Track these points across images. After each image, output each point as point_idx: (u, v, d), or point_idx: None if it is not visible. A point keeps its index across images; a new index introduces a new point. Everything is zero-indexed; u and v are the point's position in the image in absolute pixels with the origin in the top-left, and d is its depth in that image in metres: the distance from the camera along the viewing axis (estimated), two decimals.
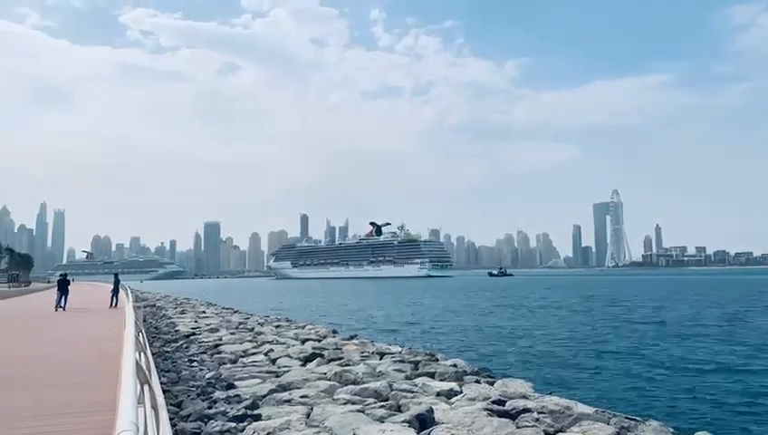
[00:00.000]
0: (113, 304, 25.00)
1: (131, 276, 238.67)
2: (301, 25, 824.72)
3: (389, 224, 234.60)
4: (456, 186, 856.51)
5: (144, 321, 19.28)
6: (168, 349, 18.25)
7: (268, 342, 19.00)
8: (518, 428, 8.29)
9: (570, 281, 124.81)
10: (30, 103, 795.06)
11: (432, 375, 12.99)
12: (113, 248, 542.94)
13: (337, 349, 17.25)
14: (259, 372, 13.04)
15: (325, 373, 12.81)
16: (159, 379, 9.56)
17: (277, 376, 12.64)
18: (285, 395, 10.45)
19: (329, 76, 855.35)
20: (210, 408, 9.54)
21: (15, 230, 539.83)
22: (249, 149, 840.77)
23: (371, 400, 10.15)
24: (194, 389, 11.27)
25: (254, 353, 16.50)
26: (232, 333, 22.02)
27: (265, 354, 16.15)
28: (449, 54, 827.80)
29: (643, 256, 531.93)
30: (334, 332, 23.79)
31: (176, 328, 24.97)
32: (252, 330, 23.51)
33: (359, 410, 9.18)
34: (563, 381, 16.25)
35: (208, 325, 25.47)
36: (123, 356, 4.35)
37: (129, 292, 27.72)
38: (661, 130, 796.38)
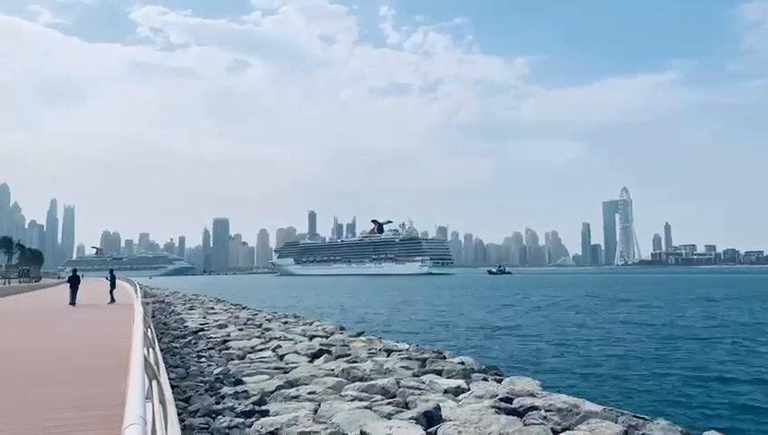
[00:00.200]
0: (112, 300, 25.23)
1: (140, 272, 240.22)
2: (310, 23, 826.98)
3: (391, 222, 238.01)
4: (464, 183, 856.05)
5: (153, 317, 19.38)
6: (177, 345, 18.35)
7: (276, 338, 19.06)
8: (525, 425, 8.27)
9: (574, 280, 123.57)
10: (41, 101, 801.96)
11: (439, 373, 12.97)
12: (122, 244, 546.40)
13: (344, 346, 17.27)
14: (267, 369, 13.09)
15: (333, 370, 12.83)
16: (168, 374, 9.62)
17: (285, 372, 12.67)
18: (293, 391, 10.48)
19: (337, 73, 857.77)
20: (218, 403, 9.59)
21: (26, 226, 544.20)
22: (258, 145, 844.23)
23: (379, 396, 10.15)
24: (202, 384, 11.33)
25: (261, 350, 16.56)
26: (240, 330, 22.11)
27: (273, 350, 16.21)
28: (458, 51, 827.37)
29: (652, 254, 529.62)
30: (342, 328, 23.84)
31: (184, 324, 25.10)
32: (260, 326, 23.59)
33: (366, 407, 9.20)
34: (571, 380, 16.20)
35: (217, 321, 25.59)
36: (132, 352, 4.37)
37: (137, 288, 27.92)
38: (671, 128, 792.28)
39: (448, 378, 12.34)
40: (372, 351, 16.48)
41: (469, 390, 11.07)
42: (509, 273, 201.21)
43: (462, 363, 14.50)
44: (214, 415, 8.81)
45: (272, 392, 10.43)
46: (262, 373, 12.48)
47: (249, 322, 25.82)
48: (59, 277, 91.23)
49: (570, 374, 17.12)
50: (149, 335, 7.47)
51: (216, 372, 12.84)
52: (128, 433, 2.20)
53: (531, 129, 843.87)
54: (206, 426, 8.25)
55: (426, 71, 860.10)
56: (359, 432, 7.74)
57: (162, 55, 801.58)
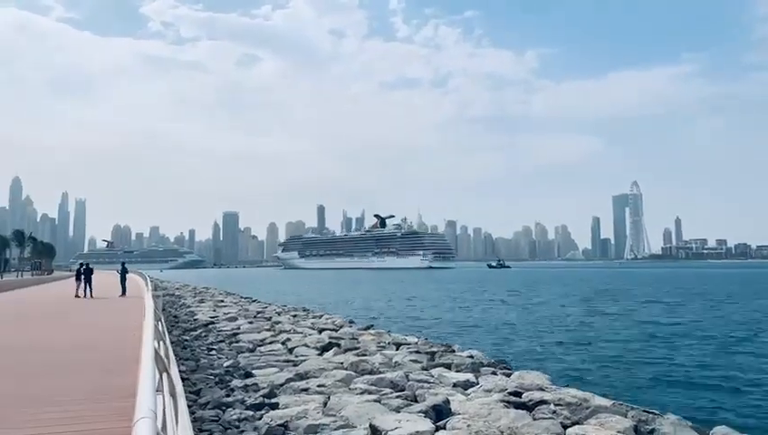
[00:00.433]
0: (123, 293, 25.44)
1: (151, 266, 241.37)
2: (320, 16, 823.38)
3: (393, 216, 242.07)
4: (474, 177, 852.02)
5: (163, 310, 19.51)
6: (187, 337, 18.48)
7: (285, 331, 19.15)
8: (535, 419, 8.27)
9: (578, 274, 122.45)
10: (53, 94, 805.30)
11: (448, 366, 12.99)
12: (133, 238, 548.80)
13: (353, 339, 17.33)
14: (276, 361, 13.16)
15: (342, 363, 12.87)
16: (178, 367, 9.68)
17: (294, 365, 12.74)
18: (302, 384, 10.54)
19: (347, 67, 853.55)
20: (228, 396, 9.66)
21: (38, 219, 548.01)
22: (268, 139, 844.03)
23: (388, 390, 10.19)
24: (212, 377, 11.41)
25: (271, 343, 16.64)
26: (250, 323, 22.23)
27: (283, 344, 16.28)
28: (468, 45, 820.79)
29: (663, 248, 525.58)
30: (351, 322, 23.91)
31: (194, 317, 25.27)
32: (269, 319, 23.70)
33: (375, 400, 9.23)
34: (580, 374, 16.15)
35: (227, 314, 25.73)
36: (143, 344, 4.40)
37: (148, 281, 28.10)
38: (682, 122, 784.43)
39: (457, 372, 12.35)
40: (381, 344, 16.52)
41: (478, 383, 11.09)
42: (508, 267, 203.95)
43: (471, 357, 14.52)
44: (224, 407, 8.88)
45: (281, 385, 10.48)
46: (271, 366, 12.56)
47: (259, 315, 25.95)
48: (70, 270, 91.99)
49: (579, 369, 17.07)
50: (160, 328, 7.52)
51: (225, 364, 12.92)
52: (139, 425, 2.22)
53: (541, 122, 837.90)
54: (217, 418, 8.32)
55: (436, 64, 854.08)
56: (368, 425, 7.77)
57: (173, 49, 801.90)
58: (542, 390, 10.13)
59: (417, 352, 14.97)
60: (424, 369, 12.64)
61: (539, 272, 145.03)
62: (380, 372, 11.62)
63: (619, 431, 7.68)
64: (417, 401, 9.34)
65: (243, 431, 7.85)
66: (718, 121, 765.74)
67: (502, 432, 7.75)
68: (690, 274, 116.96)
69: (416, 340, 18.06)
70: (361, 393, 9.80)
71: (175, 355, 10.10)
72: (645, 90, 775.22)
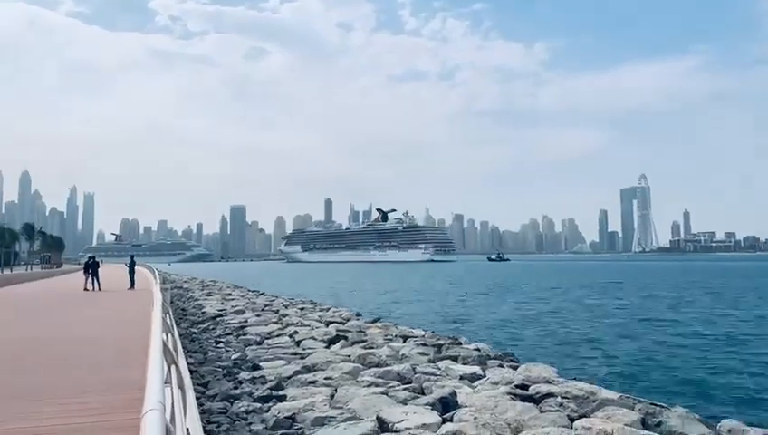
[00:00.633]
0: (132, 286, 25.59)
1: (159, 259, 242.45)
2: (328, 9, 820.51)
3: (395, 210, 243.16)
4: (481, 171, 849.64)
5: (171, 302, 19.61)
6: (195, 330, 18.59)
7: (293, 324, 19.20)
8: (542, 412, 8.27)
9: (575, 268, 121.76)
10: (62, 89, 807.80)
11: (455, 359, 12.99)
12: (141, 231, 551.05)
13: (360, 332, 17.37)
14: (284, 354, 13.21)
15: (349, 356, 12.90)
16: (186, 359, 9.75)
17: (302, 358, 12.78)
18: (310, 377, 10.58)
19: (355, 61, 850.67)
20: (236, 388, 9.72)
21: (47, 213, 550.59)
22: (276, 132, 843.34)
23: (395, 382, 10.21)
24: (220, 369, 11.48)
25: (279, 335, 16.70)
26: (257, 316, 22.31)
27: (290, 336, 16.34)
28: (476, 38, 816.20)
29: (671, 241, 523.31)
30: (358, 315, 23.95)
31: (202, 310, 25.39)
32: (277, 312, 23.78)
33: (382, 393, 9.25)
34: (587, 367, 16.15)
35: (234, 307, 25.83)
36: (151, 337, 4.43)
37: (156, 274, 28.23)
38: (690, 114, 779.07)
39: (464, 364, 12.36)
40: (388, 337, 16.55)
41: (485, 376, 11.09)
42: (507, 260, 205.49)
43: (478, 350, 14.52)
44: (232, 400, 8.94)
45: (289, 378, 10.53)
46: (279, 359, 12.61)
47: (266, 308, 26.04)
48: (79, 263, 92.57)
49: (586, 362, 17.06)
50: (168, 321, 7.56)
51: (233, 357, 12.99)
52: (148, 417, 2.24)
53: (549, 115, 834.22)
54: (225, 410, 8.37)
55: (444, 57, 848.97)
56: (375, 418, 7.79)
57: (181, 43, 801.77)
58: (549, 382, 10.12)
59: (424, 344, 14.99)
60: (431, 361, 12.66)
61: (538, 265, 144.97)
62: (387, 365, 11.65)
63: (626, 424, 7.66)
64: (423, 394, 9.36)
65: (251, 423, 7.90)
66: (727, 114, 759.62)
67: (509, 425, 7.76)
68: (700, 267, 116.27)
69: (423, 332, 18.08)
70: (368, 386, 9.83)
71: (183, 348, 10.17)
72: (654, 82, 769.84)
